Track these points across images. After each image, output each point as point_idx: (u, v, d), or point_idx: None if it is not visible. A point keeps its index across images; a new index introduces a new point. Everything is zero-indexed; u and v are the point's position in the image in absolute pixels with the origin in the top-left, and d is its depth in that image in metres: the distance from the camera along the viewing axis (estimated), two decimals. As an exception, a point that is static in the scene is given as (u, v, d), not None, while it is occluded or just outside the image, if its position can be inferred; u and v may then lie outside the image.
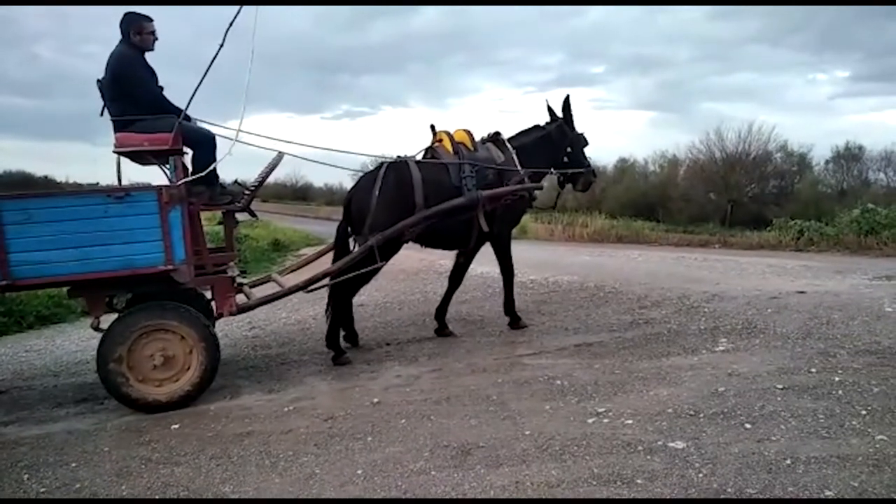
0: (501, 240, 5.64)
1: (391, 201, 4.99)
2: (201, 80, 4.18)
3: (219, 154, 4.54)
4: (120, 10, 4.48)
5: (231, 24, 3.99)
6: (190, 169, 4.53)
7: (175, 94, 4.56)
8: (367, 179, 5.20)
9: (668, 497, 2.64)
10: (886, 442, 3.00)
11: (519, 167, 5.47)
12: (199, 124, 4.66)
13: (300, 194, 52.94)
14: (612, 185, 32.53)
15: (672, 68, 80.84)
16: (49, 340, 7.11)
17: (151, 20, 4.50)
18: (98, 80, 4.48)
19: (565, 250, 13.76)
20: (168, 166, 4.42)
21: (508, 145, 5.59)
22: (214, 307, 4.64)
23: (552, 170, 5.71)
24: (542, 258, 10.61)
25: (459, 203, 5.09)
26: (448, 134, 5.45)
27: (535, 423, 3.51)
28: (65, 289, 4.47)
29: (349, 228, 5.25)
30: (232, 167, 4.81)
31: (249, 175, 5.09)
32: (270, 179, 5.18)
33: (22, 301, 8.00)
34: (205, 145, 4.55)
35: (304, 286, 4.83)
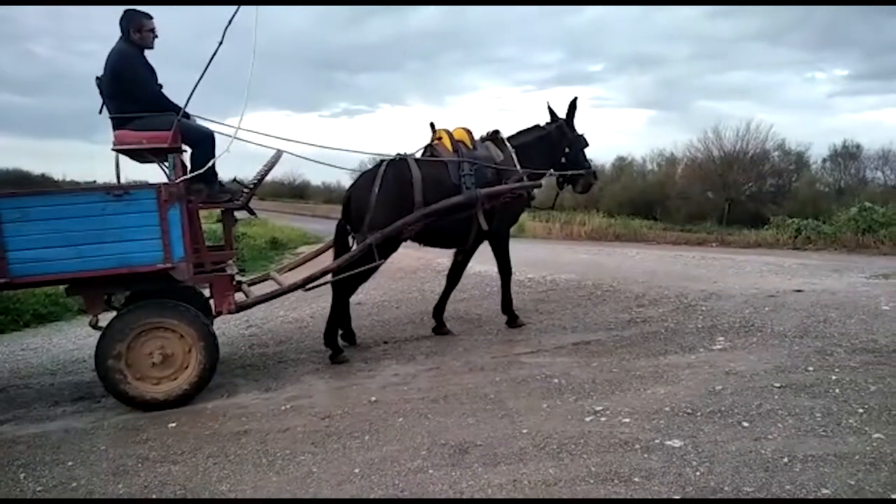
0: (499, 238, 5.64)
1: (390, 199, 4.99)
2: (200, 78, 4.18)
3: (217, 152, 4.54)
4: (118, 9, 4.47)
5: (230, 23, 3.99)
6: (189, 167, 4.52)
7: (172, 91, 4.56)
8: (366, 178, 5.19)
9: (665, 495, 2.65)
10: (883, 440, 3.01)
11: (518, 166, 5.47)
12: (199, 122, 4.65)
13: (298, 192, 52.82)
14: (610, 184, 32.53)
15: (670, 66, 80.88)
16: (46, 339, 7.10)
17: (151, 18, 4.49)
18: (97, 78, 4.47)
19: (563, 248, 13.76)
20: (167, 164, 4.41)
21: (507, 144, 5.59)
22: (213, 305, 4.63)
23: (551, 171, 5.70)
24: (539, 256, 10.61)
25: (458, 201, 5.09)
26: (447, 132, 5.45)
27: (533, 422, 3.51)
28: (63, 287, 4.45)
29: (348, 227, 5.24)
30: (230, 165, 4.79)
31: (248, 173, 5.09)
32: (268, 178, 5.18)
33: (19, 299, 7.99)
34: (204, 143, 4.54)
35: (302, 284, 4.83)
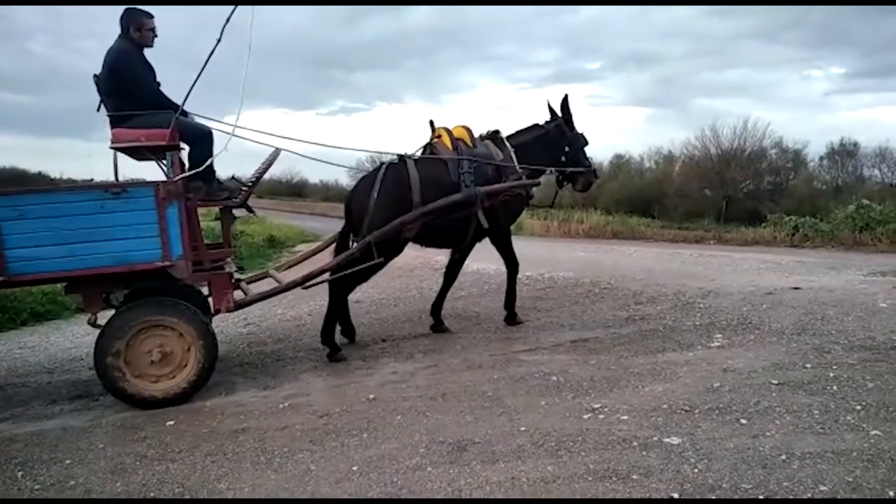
0: (501, 236, 5.65)
1: (389, 201, 5.00)
2: (198, 77, 4.17)
3: (215, 150, 4.53)
4: (115, 8, 4.46)
5: (227, 21, 3.99)
6: (187, 164, 4.51)
7: (168, 88, 4.55)
8: (366, 182, 5.22)
9: (663, 492, 2.65)
10: (881, 437, 3.02)
11: (517, 165, 5.46)
12: (196, 120, 4.64)
13: (295, 190, 52.73)
14: (608, 182, 32.47)
15: (668, 64, 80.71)
16: (43, 337, 7.08)
17: (152, 17, 4.49)
18: (95, 76, 4.46)
19: (561, 246, 13.78)
20: (165, 162, 4.41)
21: (507, 143, 5.59)
22: (211, 303, 4.63)
23: (550, 169, 5.70)
24: (537, 254, 10.61)
25: (457, 199, 5.09)
26: (447, 130, 5.44)
27: (531, 419, 3.51)
28: (61, 285, 4.45)
29: (352, 233, 5.27)
30: (228, 163, 4.78)
31: (245, 171, 5.08)
32: (266, 175, 5.17)
33: (16, 298, 7.96)
34: (202, 141, 4.53)
35: (301, 282, 4.84)
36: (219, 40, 4.05)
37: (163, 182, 4.14)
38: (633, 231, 18.19)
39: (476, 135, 5.56)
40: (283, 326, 6.64)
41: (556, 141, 5.77)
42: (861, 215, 13.41)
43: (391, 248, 5.13)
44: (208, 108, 4.75)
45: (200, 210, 4.97)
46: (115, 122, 4.35)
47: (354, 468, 3.07)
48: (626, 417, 3.44)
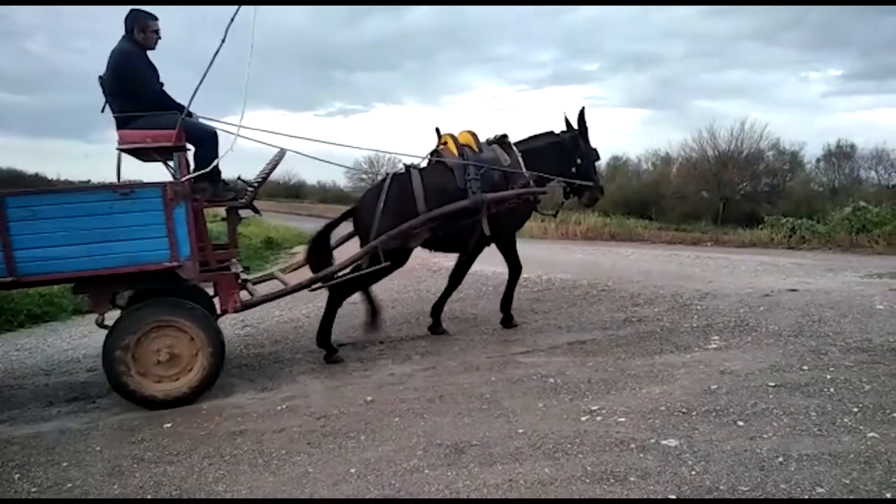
0: (506, 241, 5.65)
1: (394, 212, 5.03)
2: (203, 78, 4.17)
3: (220, 150, 4.53)
4: (115, 8, 4.45)
5: (231, 22, 3.99)
6: (192, 165, 4.51)
7: (169, 89, 4.55)
8: (372, 194, 5.26)
9: (661, 494, 2.65)
10: (878, 439, 3.02)
11: (524, 170, 5.46)
12: (201, 121, 4.64)
13: (293, 192, 52.64)
14: (605, 184, 32.41)
15: (666, 65, 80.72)
16: (40, 339, 7.06)
17: (157, 19, 4.50)
18: (99, 77, 4.46)
19: (558, 248, 13.77)
20: (171, 163, 4.41)
21: (514, 149, 5.57)
22: (217, 304, 4.63)
23: (557, 179, 5.69)
24: (535, 256, 10.59)
25: (463, 205, 5.09)
26: (453, 136, 5.43)
27: (529, 422, 3.51)
28: (68, 285, 4.46)
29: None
30: (231, 164, 4.77)
31: (248, 172, 5.07)
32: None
33: (13, 299, 7.92)
34: (207, 141, 4.53)
35: (308, 284, 4.85)
36: (223, 41, 4.05)
37: (170, 183, 4.15)
38: (631, 233, 18.18)
39: (483, 139, 5.56)
40: (280, 328, 6.63)
41: (569, 151, 5.74)
42: (858, 217, 13.44)
43: (398, 256, 5.13)
44: (209, 108, 4.76)
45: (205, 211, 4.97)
46: (120, 124, 4.36)
47: (352, 470, 3.07)
48: (623, 419, 3.45)
